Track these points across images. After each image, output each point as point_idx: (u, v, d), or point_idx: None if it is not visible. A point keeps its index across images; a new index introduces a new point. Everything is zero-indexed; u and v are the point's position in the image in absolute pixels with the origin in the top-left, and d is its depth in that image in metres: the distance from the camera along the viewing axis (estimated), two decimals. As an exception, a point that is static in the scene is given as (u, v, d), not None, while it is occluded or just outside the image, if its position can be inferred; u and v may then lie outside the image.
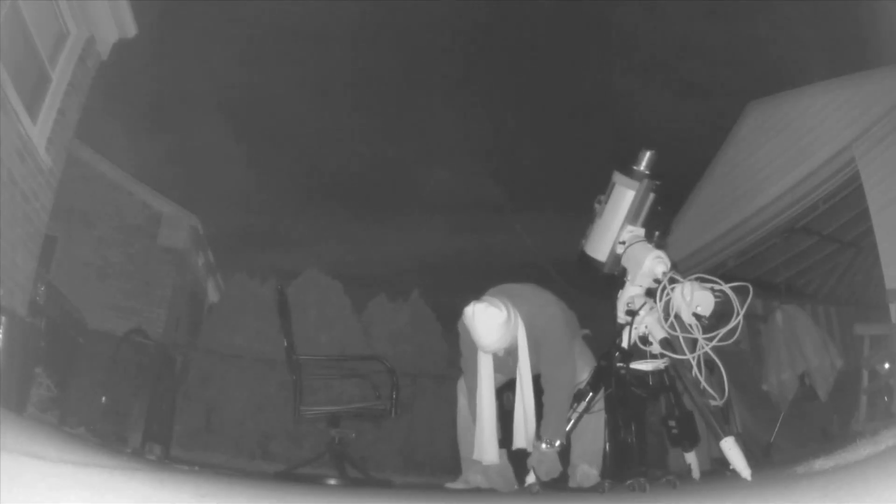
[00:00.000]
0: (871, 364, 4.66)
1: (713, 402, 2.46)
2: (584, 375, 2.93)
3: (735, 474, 2.36)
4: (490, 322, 2.76)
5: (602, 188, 2.86)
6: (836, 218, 6.71)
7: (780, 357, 5.49)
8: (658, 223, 2.78)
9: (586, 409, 2.77)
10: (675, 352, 2.50)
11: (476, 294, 3.01)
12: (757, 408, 5.58)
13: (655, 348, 2.58)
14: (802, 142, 6.50)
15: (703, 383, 2.45)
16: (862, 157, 5.65)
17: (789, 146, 6.70)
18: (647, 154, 2.77)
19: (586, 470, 2.86)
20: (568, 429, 2.75)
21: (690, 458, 2.89)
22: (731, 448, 2.38)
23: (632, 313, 2.66)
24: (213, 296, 13.33)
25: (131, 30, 5.12)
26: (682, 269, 2.55)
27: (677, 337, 2.45)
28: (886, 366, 4.54)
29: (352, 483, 3.69)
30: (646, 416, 2.93)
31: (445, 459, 9.51)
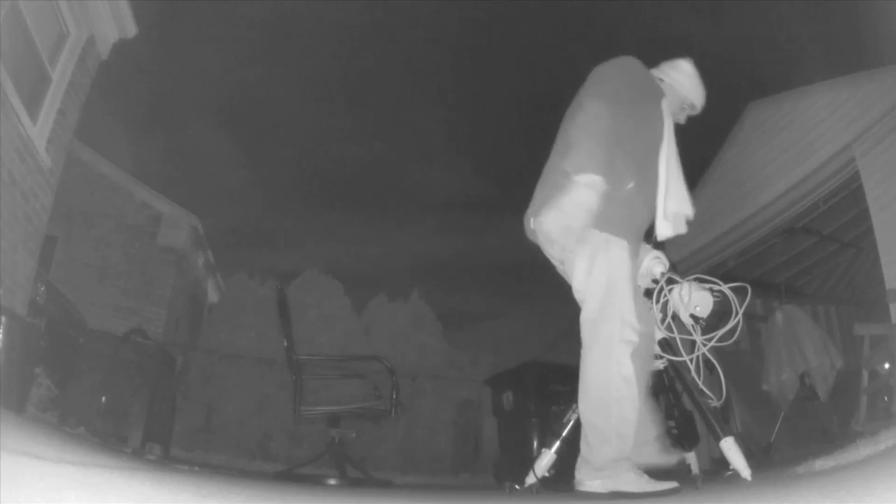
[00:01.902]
0: (871, 364, 4.66)
1: (712, 403, 2.47)
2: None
3: (735, 474, 2.36)
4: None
5: None
6: (836, 218, 6.71)
7: (780, 357, 5.49)
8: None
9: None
10: (673, 352, 2.50)
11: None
12: (757, 408, 5.59)
13: (654, 349, 2.58)
14: (802, 142, 6.50)
15: (701, 384, 2.45)
16: (862, 157, 5.65)
17: (789, 146, 6.70)
18: None
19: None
20: (565, 433, 2.73)
21: (690, 458, 2.89)
22: (730, 448, 2.38)
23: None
24: (213, 296, 13.33)
25: (131, 30, 5.12)
26: (682, 269, 2.55)
27: (674, 338, 2.45)
28: (886, 366, 4.54)
29: (352, 483, 3.69)
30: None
31: (445, 459, 9.53)
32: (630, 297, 2.24)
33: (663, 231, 2.40)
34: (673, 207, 2.38)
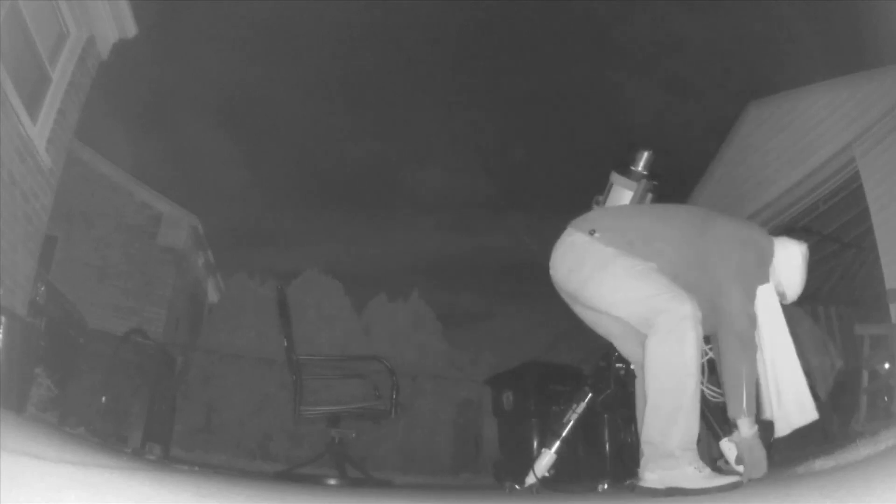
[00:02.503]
0: (871, 364, 4.65)
1: (714, 399, 2.46)
2: None
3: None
4: None
5: (600, 188, 2.86)
6: (836, 218, 6.71)
7: (780, 357, 5.47)
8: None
9: (584, 410, 2.76)
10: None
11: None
12: (757, 408, 5.57)
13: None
14: (802, 142, 6.50)
15: (707, 384, 2.45)
16: (862, 157, 5.66)
17: (789, 146, 6.70)
18: (645, 155, 2.78)
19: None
20: (565, 433, 2.73)
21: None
22: (730, 449, 2.38)
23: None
24: (213, 296, 13.33)
25: (131, 30, 5.12)
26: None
27: None
28: (886, 366, 4.53)
29: (352, 483, 3.69)
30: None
31: (445, 459, 9.53)
32: (663, 279, 2.23)
33: (781, 430, 2.40)
34: (796, 421, 2.39)
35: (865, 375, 4.65)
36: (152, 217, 10.19)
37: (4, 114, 3.66)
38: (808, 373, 5.32)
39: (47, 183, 4.40)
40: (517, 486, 2.76)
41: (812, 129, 6.41)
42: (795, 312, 5.67)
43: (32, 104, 4.21)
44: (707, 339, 2.40)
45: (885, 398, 4.52)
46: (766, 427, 2.40)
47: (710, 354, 2.42)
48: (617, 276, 2.28)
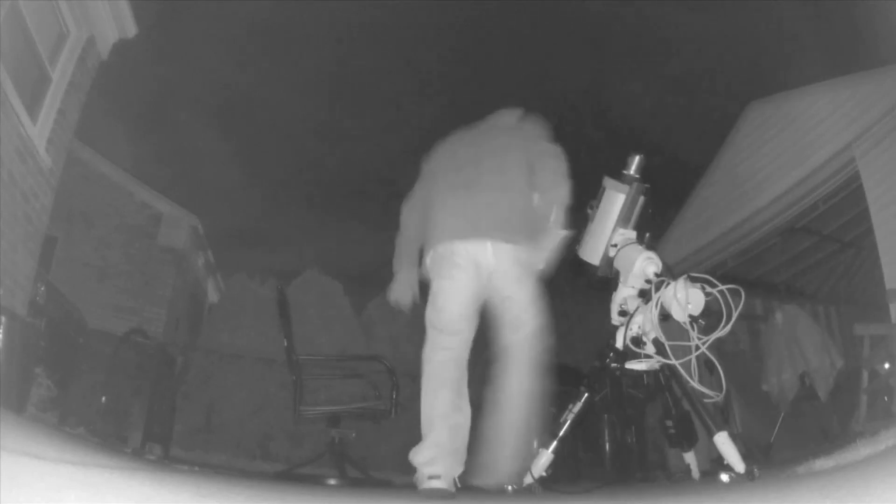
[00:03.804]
0: (871, 364, 4.66)
1: (712, 399, 2.47)
2: None
3: (734, 474, 2.35)
4: None
5: (596, 191, 2.89)
6: (836, 218, 6.72)
7: (780, 357, 5.48)
8: (649, 225, 2.80)
9: (583, 411, 2.77)
10: (665, 351, 2.50)
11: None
12: (757, 408, 5.59)
13: (650, 348, 2.58)
14: (802, 142, 6.50)
15: (693, 382, 2.46)
16: (862, 157, 5.66)
17: (789, 146, 6.70)
18: (636, 158, 2.81)
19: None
20: (562, 433, 2.75)
21: (689, 458, 2.89)
22: (724, 442, 2.38)
23: (625, 314, 2.67)
24: (213, 296, 13.33)
25: (131, 30, 5.13)
26: (682, 269, 2.56)
27: (665, 339, 2.47)
28: (886, 366, 4.53)
29: (352, 483, 3.69)
30: (645, 416, 2.90)
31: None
32: None
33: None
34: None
35: (865, 375, 4.65)
36: (152, 217, 10.18)
37: (4, 114, 3.67)
38: (808, 373, 5.35)
39: (47, 183, 4.40)
40: (514, 486, 2.76)
41: (812, 129, 6.41)
42: (795, 312, 5.71)
43: (32, 104, 4.21)
44: (701, 334, 2.41)
45: (885, 398, 4.52)
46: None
47: (702, 348, 2.42)
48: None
